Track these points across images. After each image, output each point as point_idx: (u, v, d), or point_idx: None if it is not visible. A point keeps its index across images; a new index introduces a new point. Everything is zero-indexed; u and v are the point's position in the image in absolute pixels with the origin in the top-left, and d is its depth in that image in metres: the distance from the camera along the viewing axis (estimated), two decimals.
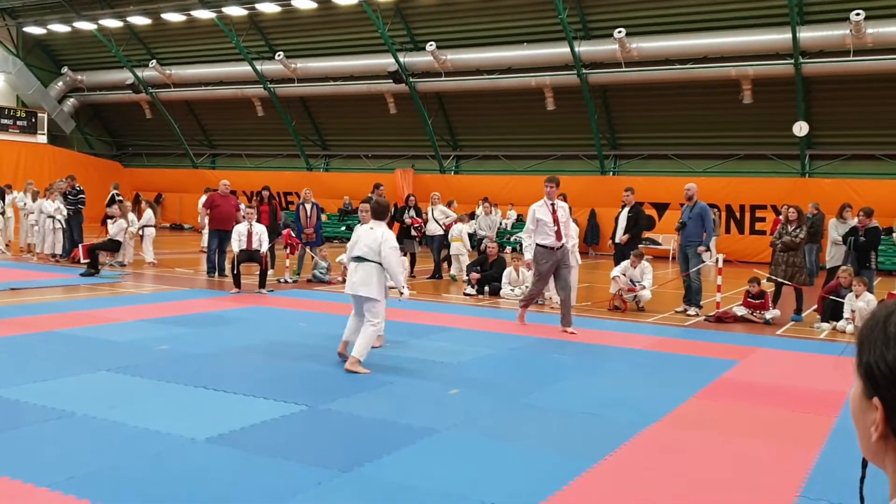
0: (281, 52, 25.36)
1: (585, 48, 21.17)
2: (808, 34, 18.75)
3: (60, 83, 30.51)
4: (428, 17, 23.30)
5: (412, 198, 15.38)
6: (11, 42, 29.56)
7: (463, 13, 22.67)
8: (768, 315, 10.36)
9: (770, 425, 5.45)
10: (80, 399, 5.44)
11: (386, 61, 23.85)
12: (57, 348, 7.31)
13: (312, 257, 14.04)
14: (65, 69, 30.44)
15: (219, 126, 30.43)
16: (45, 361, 6.70)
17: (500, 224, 22.84)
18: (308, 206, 13.87)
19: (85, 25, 26.95)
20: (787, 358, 8.09)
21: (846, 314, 9.78)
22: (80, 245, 14.55)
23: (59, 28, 27.73)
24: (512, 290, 12.27)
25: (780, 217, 12.70)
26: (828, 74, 19.49)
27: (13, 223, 18.17)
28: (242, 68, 26.50)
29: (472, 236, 21.43)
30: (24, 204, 17.42)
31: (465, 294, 12.51)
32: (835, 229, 11.91)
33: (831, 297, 10.09)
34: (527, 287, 12.18)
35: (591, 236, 22.81)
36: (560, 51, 21.51)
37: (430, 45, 22.73)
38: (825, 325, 9.92)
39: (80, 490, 3.76)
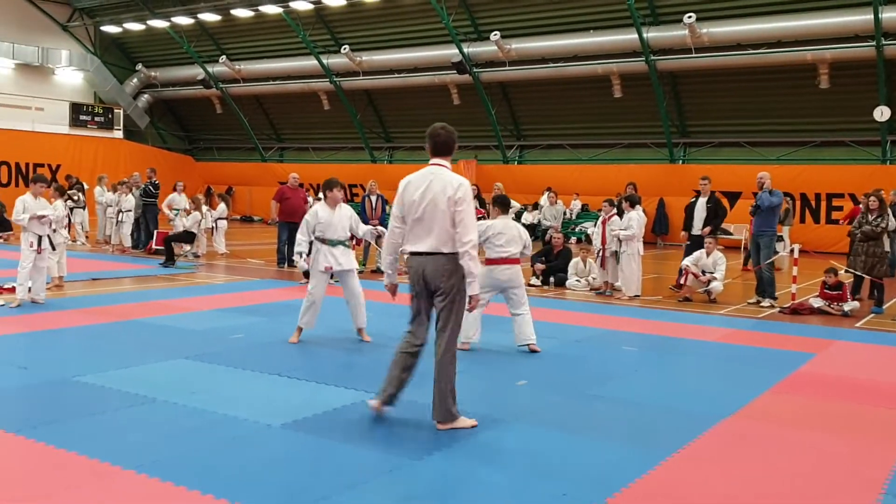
0: (346, 46, 25.63)
1: (654, 34, 20.74)
2: (891, 14, 17.92)
3: (135, 80, 31.57)
4: (492, 6, 23.18)
5: (475, 188, 15.39)
6: (89, 41, 30.73)
7: (528, 1, 22.47)
8: (847, 307, 10.01)
9: (850, 420, 5.27)
10: (160, 385, 5.64)
11: (450, 52, 23.84)
12: (137, 336, 7.59)
13: (377, 249, 14.17)
14: (139, 66, 31.44)
15: (286, 120, 30.99)
16: (126, 349, 6.96)
17: (566, 214, 22.65)
18: (373, 198, 14.03)
19: (158, 23, 27.81)
20: (867, 351, 7.80)
21: None
22: (155, 234, 15.06)
23: (134, 26, 28.70)
24: (578, 280, 12.17)
25: (860, 206, 12.20)
26: None
27: (87, 215, 18.84)
28: (309, 62, 26.90)
29: (536, 226, 21.40)
30: (102, 197, 18.04)
31: (531, 285, 12.45)
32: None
33: None
34: (593, 278, 12.08)
35: (659, 226, 22.40)
36: (628, 37, 21.12)
37: (495, 34, 22.62)
38: None
39: (164, 473, 3.90)
